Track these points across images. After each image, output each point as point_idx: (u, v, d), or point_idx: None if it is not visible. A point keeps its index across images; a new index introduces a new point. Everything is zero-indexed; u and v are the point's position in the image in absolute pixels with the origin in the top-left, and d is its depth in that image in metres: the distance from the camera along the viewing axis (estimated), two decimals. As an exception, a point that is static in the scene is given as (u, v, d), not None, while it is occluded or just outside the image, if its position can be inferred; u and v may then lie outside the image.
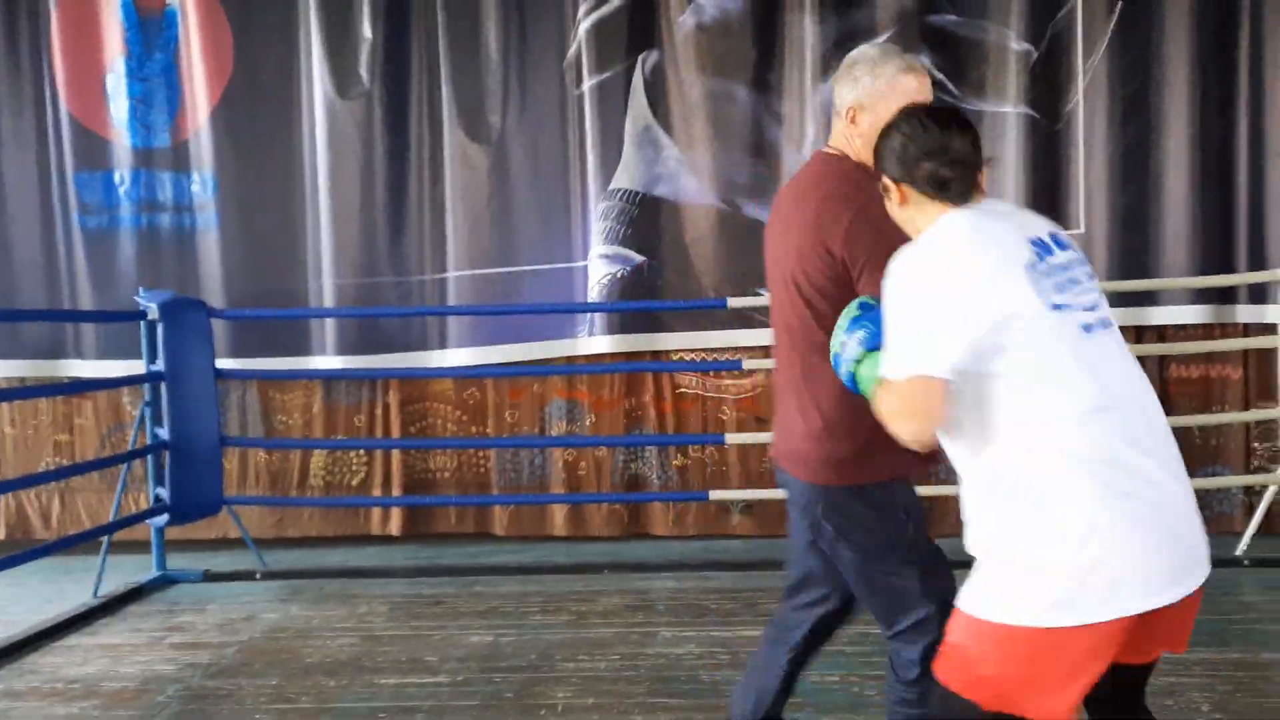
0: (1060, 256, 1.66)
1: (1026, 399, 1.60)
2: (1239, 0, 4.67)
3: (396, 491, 5.31)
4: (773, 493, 5.03)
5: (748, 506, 5.15)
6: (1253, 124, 4.67)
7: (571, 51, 5.14)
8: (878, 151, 1.78)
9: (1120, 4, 4.72)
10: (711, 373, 5.10)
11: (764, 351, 5.07)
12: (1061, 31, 4.80)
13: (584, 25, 5.10)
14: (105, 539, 4.47)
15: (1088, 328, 1.63)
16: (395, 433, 5.32)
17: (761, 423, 5.11)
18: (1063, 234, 1.74)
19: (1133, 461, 1.59)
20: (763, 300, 4.99)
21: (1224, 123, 4.70)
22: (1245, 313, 4.70)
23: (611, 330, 5.13)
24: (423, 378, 5.27)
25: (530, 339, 5.16)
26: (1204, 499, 4.80)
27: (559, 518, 5.26)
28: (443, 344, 5.26)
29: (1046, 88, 4.78)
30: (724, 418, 5.15)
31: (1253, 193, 4.68)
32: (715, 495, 4.88)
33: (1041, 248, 1.65)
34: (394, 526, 5.32)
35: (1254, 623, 3.68)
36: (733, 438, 4.93)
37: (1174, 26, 4.70)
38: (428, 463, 5.38)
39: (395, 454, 5.32)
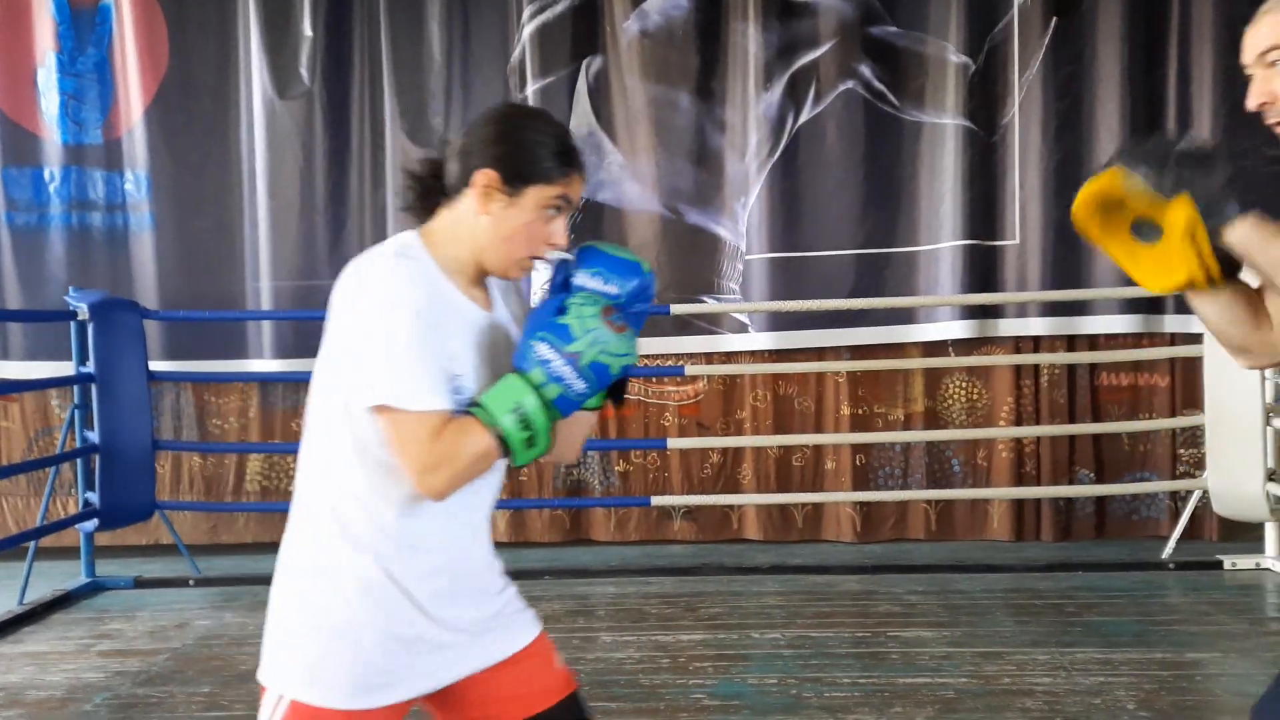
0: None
1: None
2: (1167, 21, 4.80)
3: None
4: (714, 498, 5.06)
5: (689, 512, 5.14)
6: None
7: (515, 55, 5.10)
8: None
9: (1054, 21, 4.82)
10: (654, 379, 5.11)
11: (706, 358, 5.09)
12: (998, 45, 4.87)
13: (528, 29, 5.07)
14: (32, 544, 4.30)
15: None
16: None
17: (703, 429, 5.12)
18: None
19: None
20: (705, 307, 5.02)
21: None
22: (1172, 323, 4.81)
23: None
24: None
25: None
26: (1132, 503, 4.93)
27: (500, 523, 5.21)
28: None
29: (984, 100, 4.85)
30: (666, 424, 5.15)
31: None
32: (657, 500, 4.86)
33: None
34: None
35: (1178, 624, 3.74)
36: (674, 442, 4.92)
37: (1105, 44, 4.79)
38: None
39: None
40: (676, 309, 4.79)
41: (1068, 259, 4.79)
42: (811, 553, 4.80)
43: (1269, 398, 4.18)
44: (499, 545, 5.21)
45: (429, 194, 1.51)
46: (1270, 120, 1.50)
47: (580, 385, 1.40)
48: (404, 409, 1.38)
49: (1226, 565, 4.35)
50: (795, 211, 4.97)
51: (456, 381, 1.43)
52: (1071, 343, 4.88)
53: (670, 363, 5.03)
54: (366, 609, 1.44)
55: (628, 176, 5.06)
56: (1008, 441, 4.90)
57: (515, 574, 4.80)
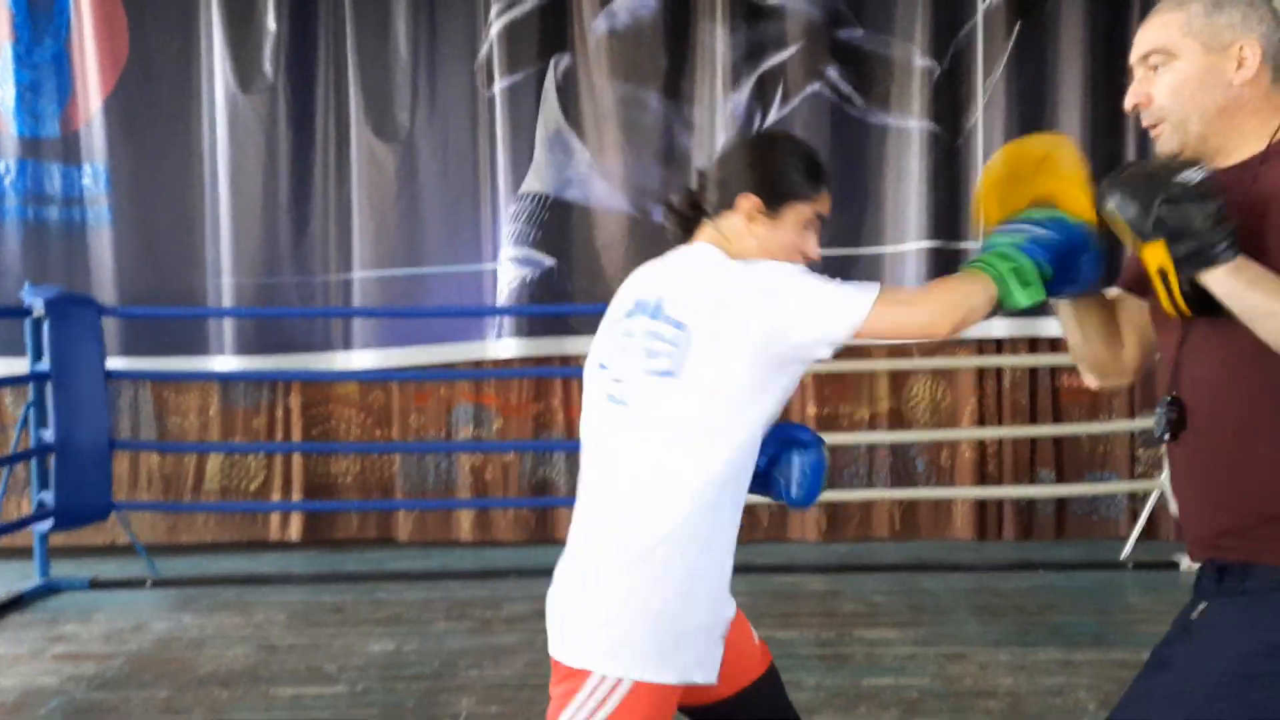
0: (638, 323, 1.58)
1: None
2: (1127, 27, 4.86)
3: (297, 496, 5.12)
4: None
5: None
6: (1140, 147, 4.85)
7: (483, 52, 5.06)
8: None
9: (1018, 26, 4.87)
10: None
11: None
12: (963, 50, 4.90)
13: (495, 26, 5.03)
14: (-18, 546, 4.25)
15: (611, 397, 1.60)
16: (296, 436, 5.15)
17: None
18: (672, 306, 1.55)
19: (574, 535, 1.64)
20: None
21: (1114, 143, 4.88)
22: (1131, 325, 4.88)
23: (520, 334, 5.06)
24: (326, 380, 5.15)
25: (437, 341, 5.06)
26: (1092, 504, 4.99)
27: (465, 523, 5.17)
28: (347, 345, 5.12)
29: (949, 104, 4.89)
30: (633, 423, 5.13)
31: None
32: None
33: (638, 307, 1.59)
34: (293, 532, 5.14)
35: (1137, 623, 3.77)
36: None
37: (1067, 49, 4.83)
38: (329, 467, 5.23)
39: (296, 458, 5.15)
40: (643, 309, 4.78)
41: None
42: (776, 552, 4.79)
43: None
44: (464, 545, 5.15)
45: (689, 224, 1.64)
46: (1145, 122, 1.50)
47: (1041, 231, 1.50)
48: (868, 308, 1.47)
49: (1183, 566, 4.41)
50: (763, 212, 4.97)
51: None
52: (1034, 344, 4.93)
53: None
54: (698, 598, 1.54)
55: (596, 175, 5.04)
56: (971, 442, 4.94)
57: (481, 574, 4.78)
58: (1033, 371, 4.95)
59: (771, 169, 1.60)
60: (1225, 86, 1.44)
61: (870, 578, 4.39)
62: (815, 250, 1.62)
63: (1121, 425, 4.82)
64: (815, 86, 4.91)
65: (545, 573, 4.76)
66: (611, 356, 1.61)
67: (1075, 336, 1.65)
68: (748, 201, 1.57)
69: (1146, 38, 1.49)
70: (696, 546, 1.53)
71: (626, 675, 1.51)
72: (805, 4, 4.90)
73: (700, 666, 1.56)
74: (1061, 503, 4.97)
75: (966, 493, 4.91)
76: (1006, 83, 4.84)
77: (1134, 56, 1.51)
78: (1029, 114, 4.84)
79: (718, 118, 4.94)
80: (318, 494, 5.17)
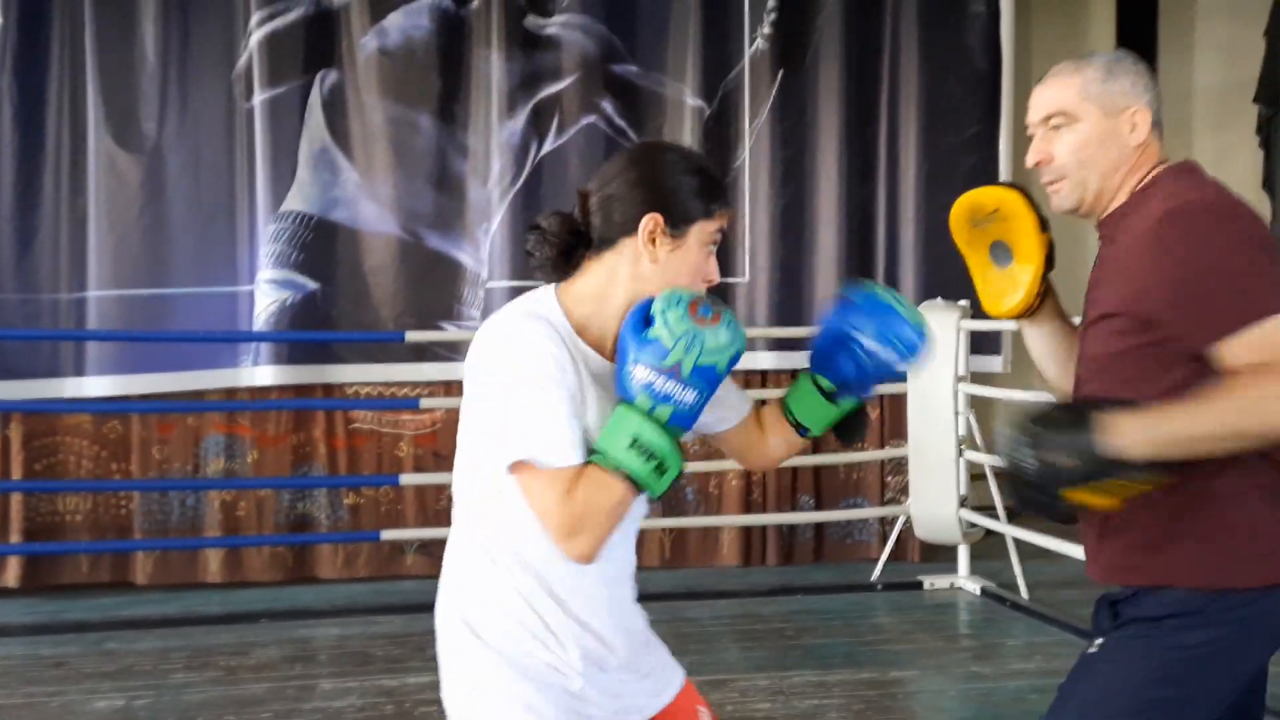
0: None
1: None
2: (878, 84, 5.20)
3: (15, 538, 4.56)
4: (449, 531, 4.91)
5: (423, 546, 4.97)
6: (890, 191, 5.21)
7: (241, 62, 4.76)
8: None
9: (781, 73, 5.15)
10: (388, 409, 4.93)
11: (444, 386, 4.98)
12: (731, 92, 5.07)
13: (256, 36, 4.76)
14: None
15: None
16: (16, 472, 4.62)
17: (440, 459, 4.99)
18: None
19: None
20: (444, 334, 4.91)
21: (866, 188, 5.21)
22: (881, 360, 5.22)
23: (279, 360, 4.77)
24: (53, 411, 4.68)
25: (184, 368, 4.72)
26: (846, 528, 5.25)
27: (213, 563, 4.81)
28: (79, 371, 4.65)
29: (718, 143, 5.05)
30: (401, 454, 4.96)
31: (889, 253, 5.20)
32: (387, 535, 4.64)
33: None
34: (10, 578, 4.57)
35: (885, 643, 3.94)
36: (408, 479, 4.67)
37: (825, 99, 5.08)
38: (55, 505, 4.73)
39: (15, 496, 4.65)
40: (413, 336, 4.63)
41: (792, 297, 5.09)
42: None
43: (961, 431, 4.62)
44: (210, 586, 4.82)
45: (570, 250, 1.44)
46: (1045, 179, 1.61)
47: (690, 396, 1.35)
48: (540, 465, 1.34)
49: (926, 585, 4.70)
50: (537, 241, 4.97)
51: (590, 434, 1.39)
52: (794, 375, 5.17)
53: (407, 390, 4.86)
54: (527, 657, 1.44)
55: (364, 196, 4.86)
56: (738, 471, 5.10)
57: (227, 618, 4.49)
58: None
59: (675, 184, 1.42)
60: (1121, 147, 1.57)
61: (642, 606, 4.41)
62: (715, 272, 1.47)
63: (873, 455, 5.12)
64: (590, 119, 4.97)
65: (301, 614, 4.53)
66: None
67: (1038, 353, 1.76)
68: (650, 221, 1.41)
69: (1046, 99, 1.59)
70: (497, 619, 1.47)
71: None
72: (580, 36, 4.96)
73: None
74: (820, 528, 5.20)
75: (733, 520, 5.06)
76: (770, 127, 5.08)
77: (1033, 117, 1.61)
78: (791, 158, 5.09)
79: (493, 143, 4.90)
80: (40, 535, 4.66)
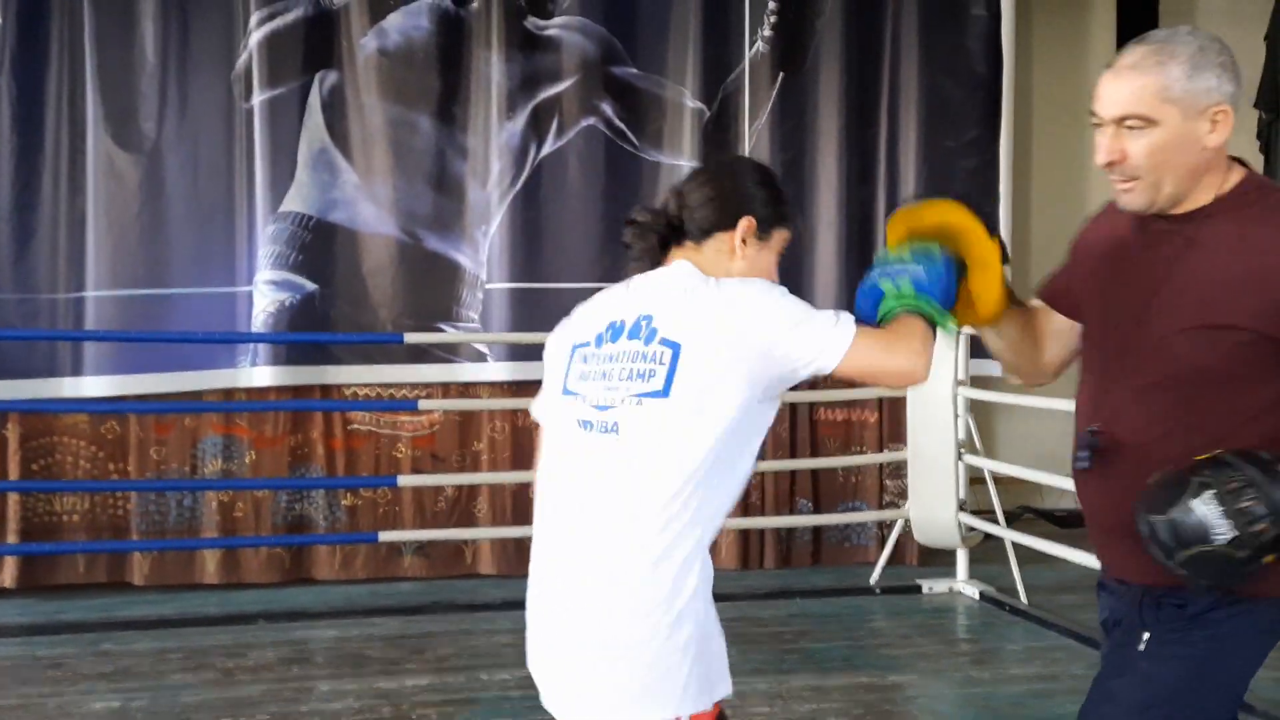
0: (617, 347, 1.53)
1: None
2: (878, 87, 5.20)
3: (12, 539, 4.53)
4: (446, 533, 4.91)
5: (420, 547, 4.96)
6: (889, 194, 5.21)
7: (241, 62, 4.75)
8: None
9: (781, 76, 5.15)
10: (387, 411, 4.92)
11: (443, 389, 4.97)
12: (731, 95, 5.05)
13: (255, 36, 4.75)
14: None
15: (585, 423, 1.53)
16: (13, 472, 4.59)
17: (438, 461, 4.99)
18: (663, 324, 1.50)
19: (541, 576, 1.60)
20: (443, 336, 4.90)
21: (866, 191, 5.21)
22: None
23: (277, 361, 4.75)
24: (51, 411, 4.67)
25: (182, 368, 4.71)
26: (845, 531, 5.25)
27: (210, 564, 4.79)
28: (77, 371, 4.63)
29: (717, 145, 5.03)
30: (399, 455, 4.94)
31: (888, 256, 5.23)
32: (385, 537, 4.60)
33: (613, 330, 1.55)
34: (7, 578, 4.54)
35: (883, 647, 3.93)
36: (406, 480, 4.66)
37: (825, 102, 5.08)
38: (52, 505, 4.71)
39: (12, 496, 4.62)
40: (412, 338, 4.62)
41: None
42: None
43: (960, 436, 4.61)
44: (207, 587, 4.81)
45: (665, 242, 1.58)
46: (1116, 177, 1.52)
47: (917, 268, 1.57)
48: (855, 335, 1.47)
49: (924, 589, 4.68)
50: (536, 243, 4.95)
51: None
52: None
53: (405, 391, 4.85)
54: (712, 611, 1.51)
55: (363, 197, 4.85)
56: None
57: (224, 619, 4.48)
58: (793, 406, 5.19)
59: (770, 194, 1.62)
60: (1200, 150, 1.49)
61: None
62: (775, 277, 1.61)
63: (872, 458, 5.12)
64: (590, 121, 4.96)
65: (298, 616, 4.52)
66: (586, 384, 1.55)
67: (994, 344, 1.76)
68: (746, 224, 1.58)
69: (1122, 99, 1.48)
70: (701, 563, 1.49)
71: (684, 712, 1.48)
72: (580, 38, 4.96)
73: (727, 679, 1.54)
74: (818, 531, 5.20)
75: (731, 523, 5.06)
76: (770, 130, 5.07)
77: (1105, 112, 1.50)
78: (791, 160, 5.08)
79: (492, 145, 4.89)
80: (37, 535, 4.64)
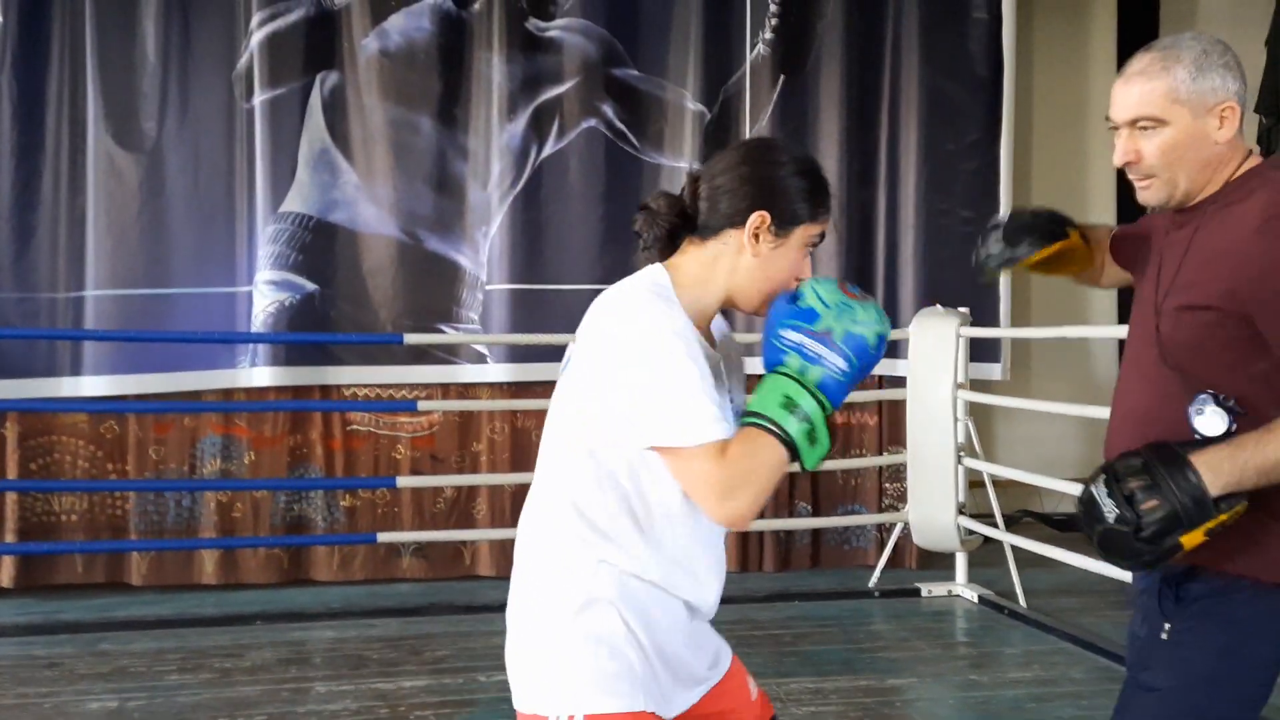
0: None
1: None
2: (879, 90, 5.19)
3: (10, 538, 4.52)
4: (445, 534, 4.91)
5: (419, 549, 4.97)
6: (890, 197, 5.22)
7: (242, 62, 4.74)
8: None
9: (782, 78, 5.15)
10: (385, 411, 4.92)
11: (442, 389, 4.97)
12: (732, 97, 5.05)
13: (257, 36, 4.75)
14: None
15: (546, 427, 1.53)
16: (12, 471, 4.58)
17: (438, 462, 4.99)
18: (580, 333, 1.47)
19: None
20: (443, 337, 4.90)
21: (866, 193, 5.22)
22: (880, 366, 5.22)
23: (276, 362, 4.75)
24: (50, 411, 4.66)
25: (181, 368, 4.71)
26: (843, 535, 5.25)
27: (209, 564, 4.79)
28: (76, 370, 4.62)
29: (718, 147, 5.03)
30: (398, 456, 4.94)
31: (889, 259, 5.21)
32: (384, 538, 4.59)
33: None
34: (4, 578, 4.51)
35: (882, 650, 3.93)
36: (405, 481, 4.65)
37: (826, 105, 5.07)
38: (51, 504, 4.71)
39: (10, 495, 4.61)
40: (411, 338, 4.62)
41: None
42: None
43: (960, 439, 4.61)
44: (205, 587, 4.80)
45: (676, 232, 1.46)
46: (1134, 176, 1.61)
47: (840, 363, 1.35)
48: (687, 445, 1.32)
49: (923, 593, 4.68)
50: (537, 244, 4.95)
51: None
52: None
53: (405, 392, 4.85)
54: (636, 628, 1.40)
55: (364, 198, 4.85)
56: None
57: (222, 620, 4.47)
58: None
59: (785, 185, 1.44)
60: (1211, 145, 1.57)
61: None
62: (808, 273, 1.48)
63: (872, 461, 5.12)
64: (591, 122, 4.97)
65: (296, 616, 4.52)
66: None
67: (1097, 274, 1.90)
68: (758, 218, 1.43)
69: (1132, 102, 1.57)
70: (611, 571, 1.42)
71: (574, 710, 1.39)
72: (581, 40, 4.96)
73: (661, 701, 1.43)
74: (817, 534, 5.20)
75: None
76: (770, 132, 5.07)
77: (1118, 116, 1.59)
78: (791, 162, 5.09)
79: (493, 146, 4.89)
80: (35, 534, 4.64)
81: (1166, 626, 1.57)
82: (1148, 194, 1.61)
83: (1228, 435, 1.50)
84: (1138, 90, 1.57)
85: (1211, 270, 1.55)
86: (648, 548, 1.42)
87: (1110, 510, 1.49)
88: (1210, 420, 1.52)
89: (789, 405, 1.34)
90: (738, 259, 1.46)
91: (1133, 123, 1.58)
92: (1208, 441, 1.49)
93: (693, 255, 1.48)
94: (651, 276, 1.46)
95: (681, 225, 1.47)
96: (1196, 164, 1.57)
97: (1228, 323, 1.52)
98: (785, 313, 1.39)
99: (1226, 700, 1.54)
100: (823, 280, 1.42)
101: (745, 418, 1.37)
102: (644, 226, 1.48)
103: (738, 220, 1.45)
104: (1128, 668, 1.70)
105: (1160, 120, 1.56)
